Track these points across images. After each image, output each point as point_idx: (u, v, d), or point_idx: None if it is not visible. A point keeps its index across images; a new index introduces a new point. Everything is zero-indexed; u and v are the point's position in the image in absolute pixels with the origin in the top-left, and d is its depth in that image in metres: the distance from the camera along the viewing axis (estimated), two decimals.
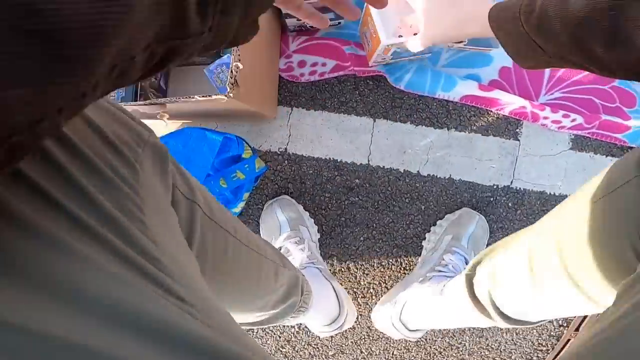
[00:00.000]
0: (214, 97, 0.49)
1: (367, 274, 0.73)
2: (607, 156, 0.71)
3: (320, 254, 0.70)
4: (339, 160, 0.70)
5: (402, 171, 0.70)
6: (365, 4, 0.59)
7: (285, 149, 0.70)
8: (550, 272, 0.39)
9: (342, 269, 0.73)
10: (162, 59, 0.16)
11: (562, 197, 0.70)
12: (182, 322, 0.18)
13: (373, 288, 0.74)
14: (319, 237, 0.72)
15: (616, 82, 0.71)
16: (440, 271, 0.63)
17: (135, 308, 0.17)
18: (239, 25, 0.19)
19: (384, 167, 0.70)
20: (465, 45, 0.68)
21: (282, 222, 0.68)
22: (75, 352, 0.15)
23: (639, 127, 0.69)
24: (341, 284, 0.71)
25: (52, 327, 0.14)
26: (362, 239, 0.72)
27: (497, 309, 0.47)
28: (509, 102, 0.67)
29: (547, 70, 0.70)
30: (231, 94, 0.49)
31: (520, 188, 0.71)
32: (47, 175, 0.17)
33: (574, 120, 0.69)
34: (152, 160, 0.25)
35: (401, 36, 0.54)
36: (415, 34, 0.54)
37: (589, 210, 0.34)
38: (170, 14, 0.14)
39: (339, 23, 0.70)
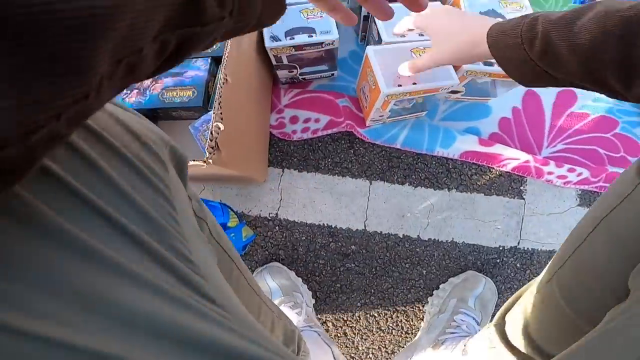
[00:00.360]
0: (190, 162, 0.41)
1: (365, 339, 0.67)
2: None
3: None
4: (333, 226, 0.65)
5: (402, 236, 0.65)
6: (363, 62, 0.57)
7: (276, 214, 0.65)
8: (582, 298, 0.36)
9: (339, 334, 0.66)
10: (177, 50, 0.14)
11: None
12: (215, 329, 0.18)
13: (372, 353, 0.67)
14: (313, 302, 0.65)
15: (618, 129, 0.69)
16: (452, 332, 0.58)
17: (173, 319, 0.16)
18: (263, 5, 0.17)
19: (381, 232, 0.65)
20: (462, 95, 0.65)
21: (273, 288, 0.63)
22: None
23: None
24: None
25: (90, 342, 0.14)
26: (359, 304, 0.66)
27: (540, 350, 0.42)
28: (512, 158, 0.64)
29: (548, 120, 0.68)
30: (210, 160, 0.41)
31: (528, 248, 0.66)
32: (78, 172, 0.16)
33: (580, 174, 0.65)
34: (174, 163, 0.24)
35: (400, 85, 0.52)
36: (414, 84, 0.52)
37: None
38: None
39: (332, 75, 0.67)
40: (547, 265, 0.41)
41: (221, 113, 0.43)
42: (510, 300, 0.48)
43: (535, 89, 0.69)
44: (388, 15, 0.30)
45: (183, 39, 0.14)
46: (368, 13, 0.62)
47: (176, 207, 0.21)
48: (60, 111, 0.11)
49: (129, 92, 0.56)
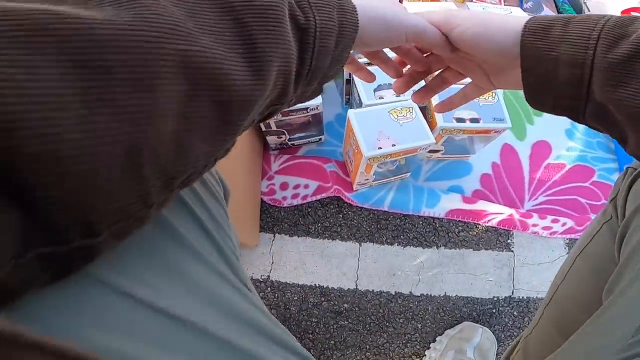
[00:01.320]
0: None
1: None
2: None
3: None
4: (325, 286, 0.65)
5: (394, 293, 0.65)
6: (346, 126, 0.61)
7: (268, 276, 0.66)
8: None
9: None
10: (263, 118, 0.22)
11: None
12: (251, 307, 0.22)
13: None
14: None
15: (596, 177, 0.71)
16: None
17: (223, 294, 0.21)
18: (312, 92, 0.25)
19: (373, 290, 0.65)
20: (442, 154, 0.68)
21: None
22: (202, 333, 0.18)
23: None
24: None
25: (168, 305, 0.18)
26: None
27: None
28: (496, 213, 0.66)
29: (526, 173, 0.70)
30: None
31: (523, 297, 0.67)
32: (185, 209, 0.22)
33: (564, 224, 0.67)
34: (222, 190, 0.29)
35: (381, 148, 0.54)
36: (393, 145, 0.55)
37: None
38: (280, 88, 0.20)
39: (320, 139, 0.70)
40: (541, 304, 0.46)
41: None
42: (510, 346, 0.49)
43: (510, 142, 0.73)
44: (371, 78, 0.35)
45: (270, 112, 0.22)
46: (350, 76, 0.66)
47: (227, 213, 0.26)
48: (217, 156, 0.19)
49: None
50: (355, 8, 0.24)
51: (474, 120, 0.60)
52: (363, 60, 0.51)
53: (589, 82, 0.23)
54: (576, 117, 0.25)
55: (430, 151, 0.67)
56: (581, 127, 0.76)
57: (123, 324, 0.16)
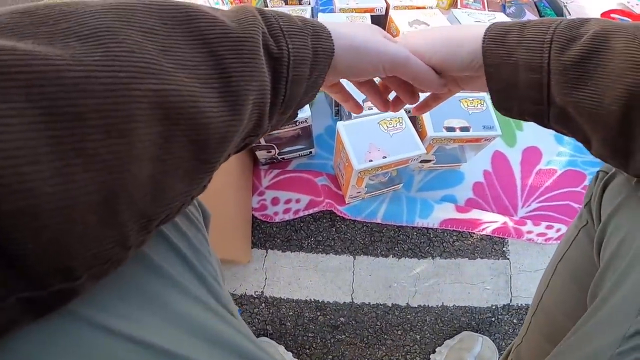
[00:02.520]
0: None
1: None
2: None
3: None
4: (320, 301, 0.64)
5: (390, 305, 0.64)
6: (336, 139, 0.60)
7: (262, 292, 0.65)
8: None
9: None
10: (239, 150, 0.22)
11: None
12: (234, 333, 0.22)
13: None
14: None
15: (587, 181, 0.71)
16: None
17: (205, 322, 0.20)
18: (287, 119, 0.25)
19: (369, 303, 0.64)
20: (434, 164, 0.68)
21: None
22: None
23: None
24: None
25: (148, 336, 0.17)
26: None
27: None
28: (490, 221, 0.65)
29: (518, 180, 0.70)
30: None
31: (522, 304, 0.66)
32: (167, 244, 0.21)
33: (558, 230, 0.67)
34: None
35: (372, 160, 0.54)
36: (384, 157, 0.54)
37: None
38: (255, 120, 0.20)
39: (310, 153, 0.70)
40: (527, 313, 0.46)
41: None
42: (502, 356, 0.50)
43: (501, 149, 0.73)
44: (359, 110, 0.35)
45: (246, 143, 0.22)
46: None
47: (207, 239, 0.26)
48: (194, 194, 0.19)
49: None
50: (330, 34, 0.24)
51: (464, 129, 0.60)
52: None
53: (548, 85, 0.23)
54: (542, 121, 0.25)
55: (421, 161, 0.67)
56: None
57: (105, 359, 0.16)
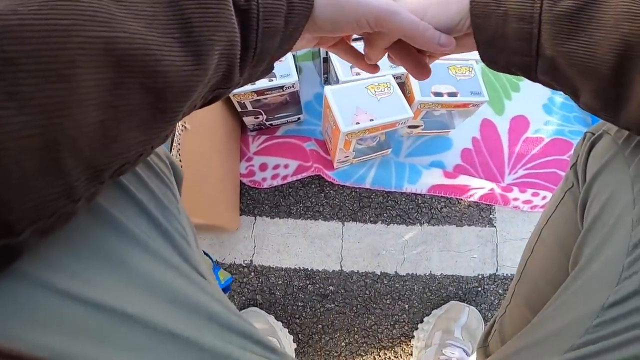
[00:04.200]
0: None
1: None
2: None
3: None
4: (309, 269, 0.64)
5: (379, 273, 0.64)
6: (324, 103, 0.60)
7: (251, 260, 0.64)
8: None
9: None
10: (208, 102, 0.22)
11: None
12: (201, 294, 0.21)
13: None
14: (295, 346, 0.63)
15: (573, 150, 0.72)
16: None
17: (168, 281, 0.20)
18: (261, 72, 0.24)
19: (358, 271, 0.64)
20: (422, 130, 0.68)
21: None
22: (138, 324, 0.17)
23: None
24: None
25: (131, 307, 0.17)
26: (343, 344, 0.64)
27: None
28: (477, 187, 0.66)
29: (506, 147, 0.71)
30: None
31: (507, 274, 0.67)
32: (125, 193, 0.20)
33: (544, 197, 0.67)
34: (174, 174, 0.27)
35: (359, 123, 0.54)
36: (371, 120, 0.54)
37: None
38: (223, 73, 0.19)
39: (299, 119, 0.69)
40: (512, 281, 0.45)
41: (180, 160, 0.43)
42: (487, 327, 0.49)
43: (489, 117, 0.73)
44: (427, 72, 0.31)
45: (214, 95, 0.21)
46: (327, 54, 0.65)
47: (178, 199, 0.25)
48: (153, 144, 0.18)
49: None
50: None
51: (452, 95, 0.60)
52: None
53: (538, 36, 0.22)
54: (528, 74, 0.25)
55: (410, 127, 0.67)
56: (558, 102, 0.77)
57: (55, 320, 0.15)
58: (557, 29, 0.21)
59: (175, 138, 0.42)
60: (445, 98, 0.59)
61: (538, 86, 0.79)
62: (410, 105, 0.57)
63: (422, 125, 0.66)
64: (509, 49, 0.24)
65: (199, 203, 0.48)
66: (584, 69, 0.21)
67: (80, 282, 0.16)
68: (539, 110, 0.75)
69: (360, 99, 0.57)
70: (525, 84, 0.77)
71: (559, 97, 0.77)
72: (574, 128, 0.74)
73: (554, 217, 0.37)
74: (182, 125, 0.44)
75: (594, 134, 0.31)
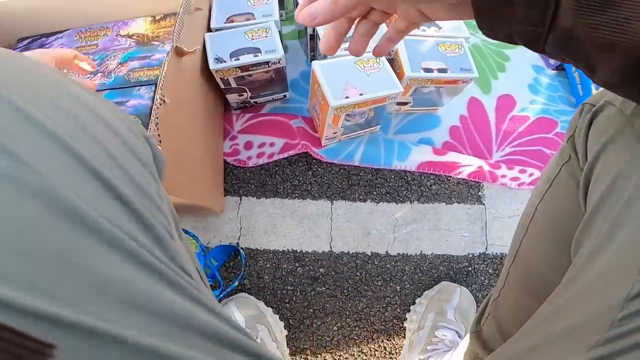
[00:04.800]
0: None
1: None
2: None
3: (291, 351, 0.60)
4: (298, 251, 0.62)
5: (369, 254, 0.63)
6: (311, 78, 0.58)
7: (237, 243, 0.61)
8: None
9: None
10: None
11: None
12: (189, 304, 0.18)
13: None
14: (286, 333, 0.61)
15: (559, 129, 0.73)
16: (435, 349, 0.56)
17: (151, 289, 0.17)
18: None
19: (348, 252, 0.63)
20: (411, 107, 0.67)
21: (239, 322, 0.58)
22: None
23: None
24: None
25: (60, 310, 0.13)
26: (335, 328, 0.63)
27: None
28: (466, 165, 0.65)
29: (493, 125, 0.71)
30: None
31: (497, 253, 0.67)
32: (65, 124, 0.17)
33: (531, 174, 0.68)
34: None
35: (348, 97, 0.52)
36: (361, 94, 0.53)
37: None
38: None
39: (284, 96, 0.67)
40: (505, 263, 0.42)
41: (159, 135, 0.40)
42: (479, 310, 0.47)
43: (477, 96, 0.73)
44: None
45: None
46: (314, 32, 0.63)
47: (159, 184, 0.22)
48: None
49: (92, 75, 0.53)
50: None
51: (442, 71, 0.59)
52: None
53: (555, 5, 0.19)
54: (534, 45, 0.22)
55: (398, 104, 0.66)
56: (544, 82, 0.77)
57: None
58: (581, 1, 0.18)
59: (153, 112, 0.40)
60: (435, 74, 0.59)
61: (524, 66, 0.80)
62: (400, 81, 0.56)
63: (411, 102, 0.65)
64: (514, 18, 0.21)
65: (179, 181, 0.46)
66: (610, 46, 0.19)
67: (34, 294, 0.13)
68: (525, 90, 0.75)
69: (349, 74, 0.55)
70: (511, 64, 0.78)
71: (545, 78, 0.78)
72: (559, 107, 0.75)
73: (549, 194, 0.34)
74: (161, 99, 0.42)
75: (593, 105, 0.28)
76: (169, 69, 0.43)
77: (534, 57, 0.80)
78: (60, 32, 0.61)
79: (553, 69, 0.79)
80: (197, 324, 0.18)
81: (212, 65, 0.54)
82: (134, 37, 0.59)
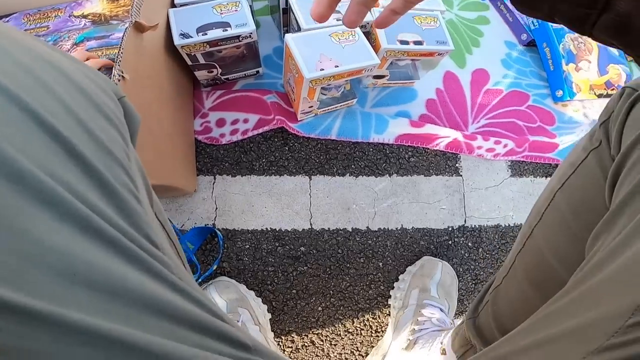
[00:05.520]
0: None
1: (335, 345, 0.62)
2: (546, 177, 0.71)
3: (275, 334, 0.58)
4: (277, 229, 0.60)
5: (350, 230, 0.62)
6: (285, 52, 0.56)
7: (214, 224, 0.59)
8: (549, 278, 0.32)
9: (306, 344, 0.61)
10: None
11: (518, 227, 0.68)
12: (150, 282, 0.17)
13: (346, 358, 0.63)
14: (270, 316, 0.60)
15: (531, 102, 0.75)
16: (422, 329, 0.55)
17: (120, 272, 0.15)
18: None
19: (329, 229, 0.62)
20: (388, 80, 0.67)
21: (221, 306, 0.56)
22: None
23: (567, 143, 0.71)
24: None
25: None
26: (320, 308, 0.62)
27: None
28: (443, 136, 0.66)
29: (468, 98, 0.72)
30: None
31: (475, 225, 0.68)
32: (27, 85, 0.15)
33: (505, 145, 0.69)
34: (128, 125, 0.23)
35: (323, 69, 0.51)
36: (336, 66, 0.51)
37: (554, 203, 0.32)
38: None
39: (257, 72, 0.64)
40: (512, 249, 0.39)
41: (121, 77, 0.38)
42: (478, 296, 0.45)
43: (452, 70, 0.73)
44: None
45: None
46: (287, 4, 0.61)
47: (128, 145, 0.20)
48: None
49: None
50: None
51: (418, 43, 0.59)
52: None
53: None
54: (580, 27, 0.20)
55: (375, 77, 0.65)
56: (515, 57, 0.79)
57: None
58: None
59: None
60: (411, 46, 0.58)
61: (497, 42, 0.81)
62: (376, 54, 0.55)
63: (387, 76, 0.65)
64: None
65: (145, 160, 0.43)
66: None
67: None
68: (498, 65, 0.76)
69: (324, 46, 0.54)
70: (485, 39, 0.79)
71: (516, 53, 0.79)
72: (530, 81, 0.77)
73: (572, 180, 0.31)
74: (120, 75, 0.39)
75: (636, 90, 0.26)
76: (128, 45, 0.41)
77: (506, 33, 0.81)
78: (7, 15, 0.56)
79: (524, 45, 0.80)
80: (158, 303, 0.16)
81: (177, 41, 0.51)
82: (90, 17, 0.56)
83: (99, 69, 0.43)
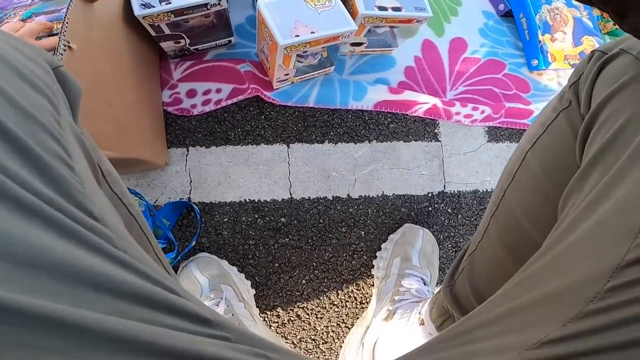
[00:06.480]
0: None
1: (321, 318, 0.62)
2: None
3: (261, 310, 0.58)
4: (256, 200, 0.59)
5: (331, 198, 0.62)
6: (257, 19, 0.54)
7: (189, 198, 0.57)
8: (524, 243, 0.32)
9: (292, 318, 0.61)
10: None
11: None
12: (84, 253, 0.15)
13: (332, 331, 0.63)
14: (254, 292, 0.59)
15: (507, 70, 0.75)
16: (402, 300, 0.55)
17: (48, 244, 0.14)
18: None
19: (309, 197, 0.61)
20: (366, 47, 0.65)
21: (203, 284, 0.55)
22: None
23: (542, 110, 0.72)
24: (295, 334, 0.58)
25: None
26: (304, 281, 0.61)
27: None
28: (421, 102, 0.65)
29: (447, 66, 0.72)
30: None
31: (454, 191, 0.68)
32: None
33: (483, 112, 0.69)
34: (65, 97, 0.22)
35: (298, 36, 0.49)
36: (312, 32, 0.50)
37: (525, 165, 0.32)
38: None
39: (229, 42, 0.62)
40: (485, 212, 0.39)
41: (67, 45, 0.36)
42: (454, 261, 0.45)
43: (430, 38, 0.73)
44: None
45: None
46: None
47: (61, 113, 0.19)
48: None
49: None
50: None
51: (396, 9, 0.58)
52: None
53: None
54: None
55: (353, 45, 0.63)
56: (492, 26, 0.79)
57: None
58: None
59: (56, 57, 0.35)
60: (390, 12, 0.57)
61: (475, 12, 0.80)
62: (353, 21, 0.54)
63: (365, 43, 0.63)
64: None
65: (105, 133, 0.41)
66: None
67: None
68: (476, 34, 0.76)
69: (299, 12, 0.52)
70: (463, 9, 0.78)
71: (494, 23, 0.79)
72: (506, 51, 0.77)
73: (543, 139, 0.31)
74: (65, 45, 0.37)
75: (605, 53, 0.26)
76: (75, 14, 0.38)
77: (484, 3, 0.81)
78: None
79: (501, 15, 0.80)
80: (95, 277, 0.15)
81: (138, 11, 0.47)
82: None
83: (41, 35, 0.41)
